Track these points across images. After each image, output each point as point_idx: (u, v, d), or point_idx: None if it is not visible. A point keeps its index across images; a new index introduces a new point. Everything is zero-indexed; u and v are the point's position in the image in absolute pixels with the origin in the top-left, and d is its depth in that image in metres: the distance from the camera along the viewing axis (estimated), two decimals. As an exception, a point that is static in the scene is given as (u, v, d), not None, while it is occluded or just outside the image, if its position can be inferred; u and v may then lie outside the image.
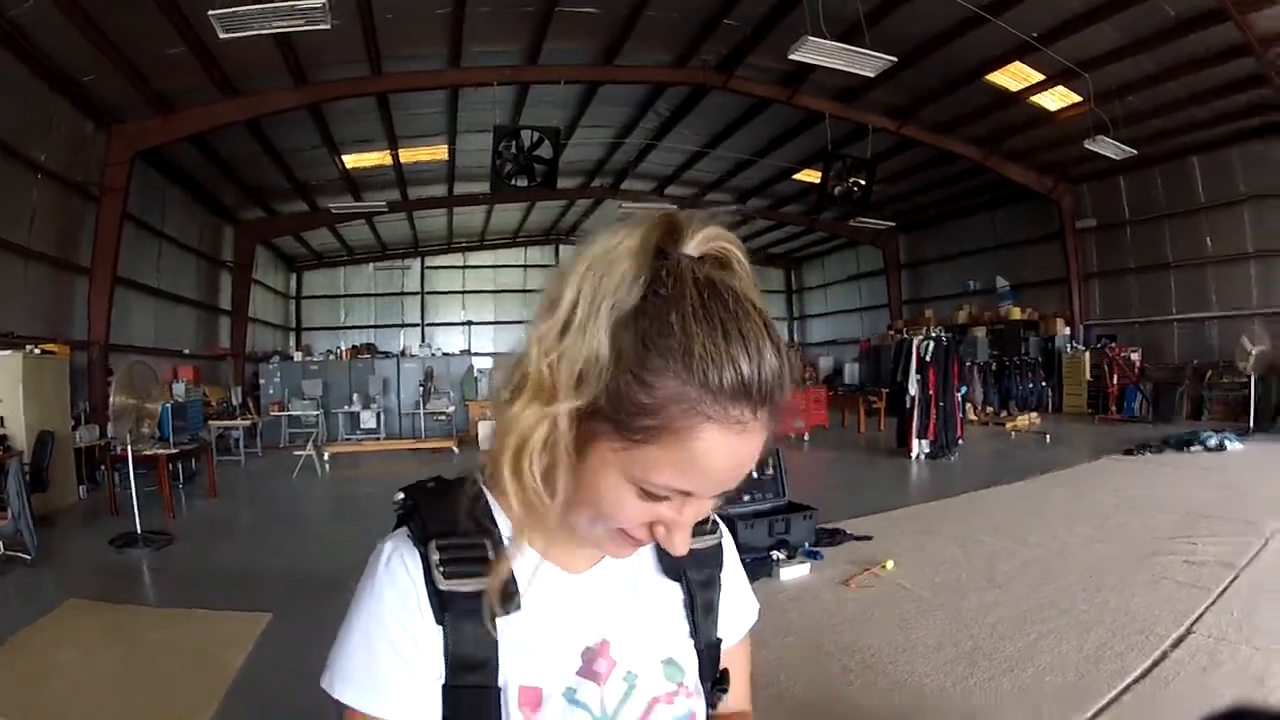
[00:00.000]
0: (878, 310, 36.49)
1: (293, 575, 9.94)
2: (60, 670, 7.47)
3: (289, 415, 28.20)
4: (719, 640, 1.53)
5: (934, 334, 17.63)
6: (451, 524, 1.30)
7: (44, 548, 11.31)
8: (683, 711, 1.42)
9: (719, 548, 1.56)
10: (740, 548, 7.83)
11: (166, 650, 7.75)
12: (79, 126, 17.90)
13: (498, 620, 1.27)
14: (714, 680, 1.51)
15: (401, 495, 1.37)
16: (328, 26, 12.33)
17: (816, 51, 14.72)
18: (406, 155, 25.38)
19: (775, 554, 9.05)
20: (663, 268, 1.13)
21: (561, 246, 39.65)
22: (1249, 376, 21.00)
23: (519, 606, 1.28)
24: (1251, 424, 20.39)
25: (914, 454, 17.25)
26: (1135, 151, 20.74)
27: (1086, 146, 20.03)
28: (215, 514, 15.08)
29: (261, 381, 30.14)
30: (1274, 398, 21.25)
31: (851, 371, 31.66)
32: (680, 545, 1.22)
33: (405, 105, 21.01)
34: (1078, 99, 20.20)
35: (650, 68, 19.61)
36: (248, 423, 24.35)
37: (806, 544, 9.51)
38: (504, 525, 1.32)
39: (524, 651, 1.30)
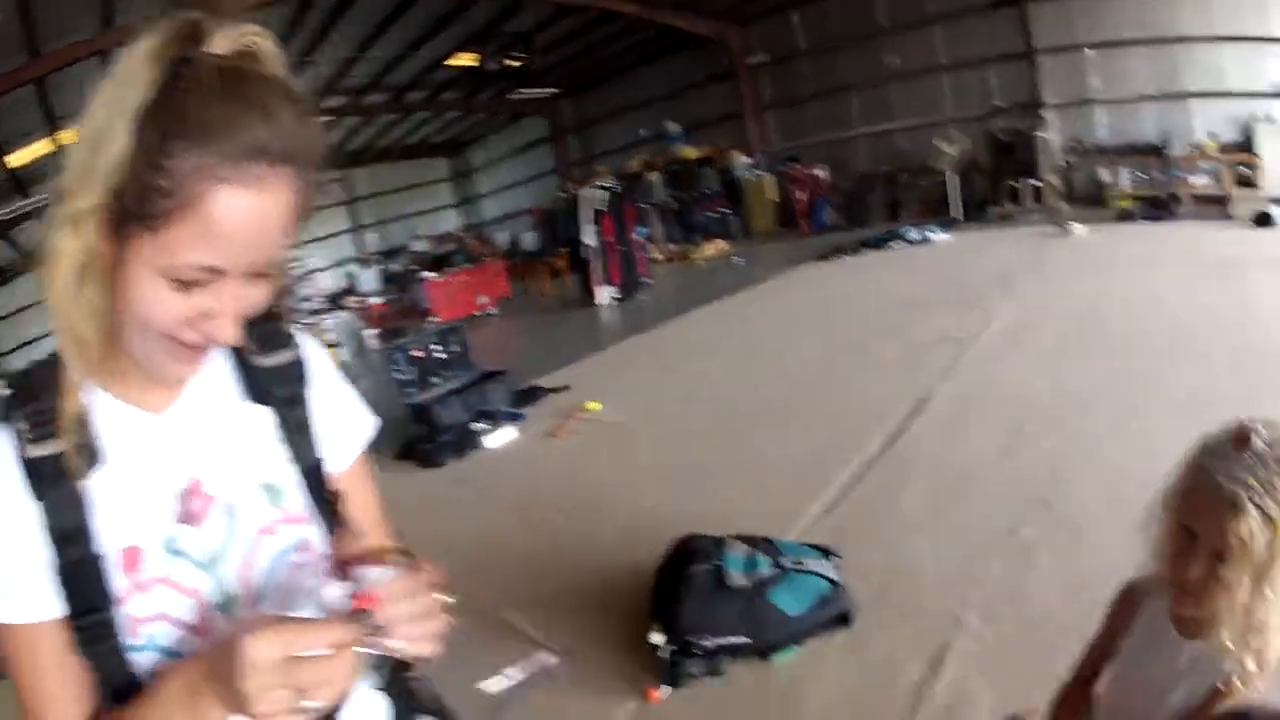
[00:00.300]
0: (549, 177, 36.04)
1: None
2: None
3: None
4: (319, 461, 1.47)
5: (604, 184, 17.67)
6: (33, 389, 1.24)
7: None
8: (291, 540, 1.39)
9: (298, 362, 1.49)
10: (440, 428, 7.85)
11: None
12: None
13: (87, 482, 1.21)
14: (326, 507, 1.47)
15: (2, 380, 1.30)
16: None
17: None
18: (69, 137, 23.44)
19: (476, 426, 9.09)
20: (181, 65, 1.09)
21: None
22: (945, 174, 22.01)
23: (102, 460, 1.23)
24: (958, 215, 21.45)
25: (602, 302, 17.35)
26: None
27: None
28: None
29: None
30: (975, 193, 22.25)
31: (529, 241, 31.48)
32: (227, 334, 1.19)
33: (59, 85, 19.13)
34: None
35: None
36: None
37: (503, 407, 9.59)
38: (87, 380, 1.26)
39: (116, 509, 1.24)
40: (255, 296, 1.20)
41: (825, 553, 5.06)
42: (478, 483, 7.80)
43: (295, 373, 1.46)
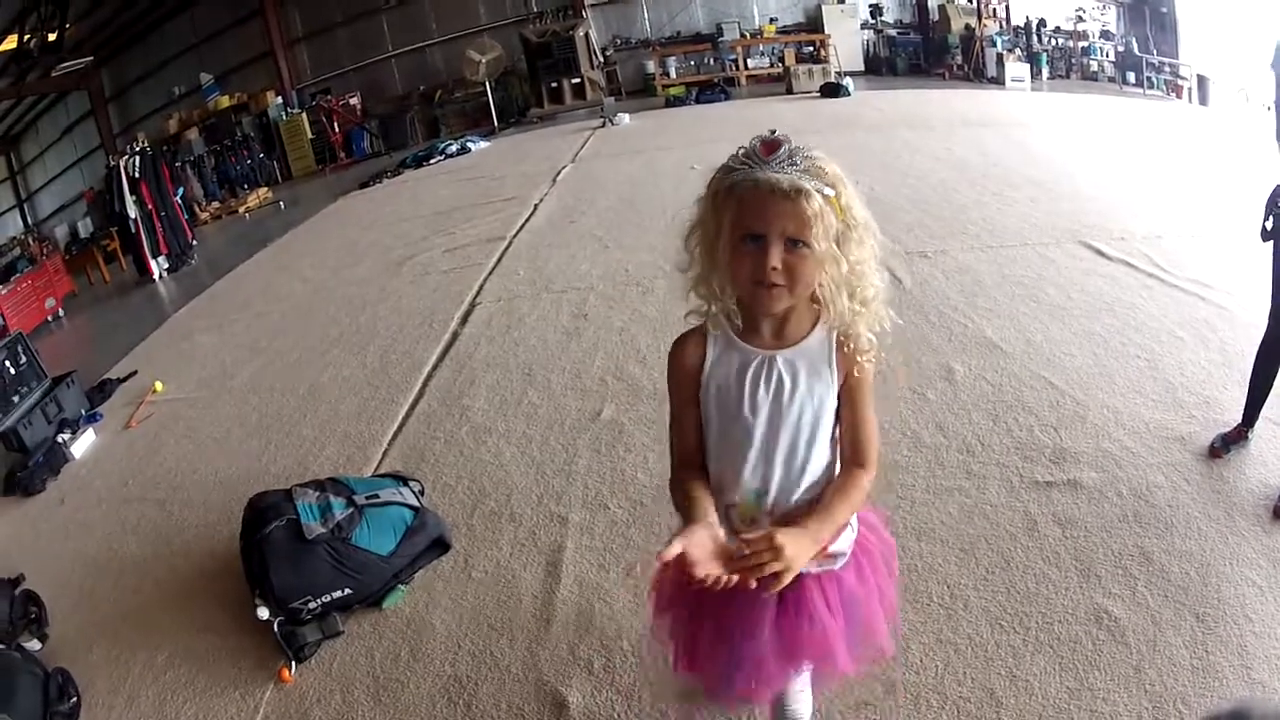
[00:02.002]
0: (95, 155, 33.09)
1: None
2: None
3: None
4: None
5: (137, 149, 16.98)
6: None
7: None
8: None
9: None
10: (33, 450, 7.22)
11: None
12: None
13: None
14: None
15: None
16: None
17: None
18: None
19: (60, 437, 8.31)
20: None
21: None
22: (484, 84, 22.31)
23: None
24: (495, 123, 21.84)
25: (155, 275, 16.78)
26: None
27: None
28: None
29: None
30: (515, 99, 23.10)
31: (85, 227, 29.75)
32: None
33: None
34: None
35: None
36: None
37: (83, 411, 8.91)
38: None
39: None
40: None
41: (401, 480, 5.01)
42: (74, 498, 7.13)
43: None
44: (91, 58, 28.79)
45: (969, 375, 5.54)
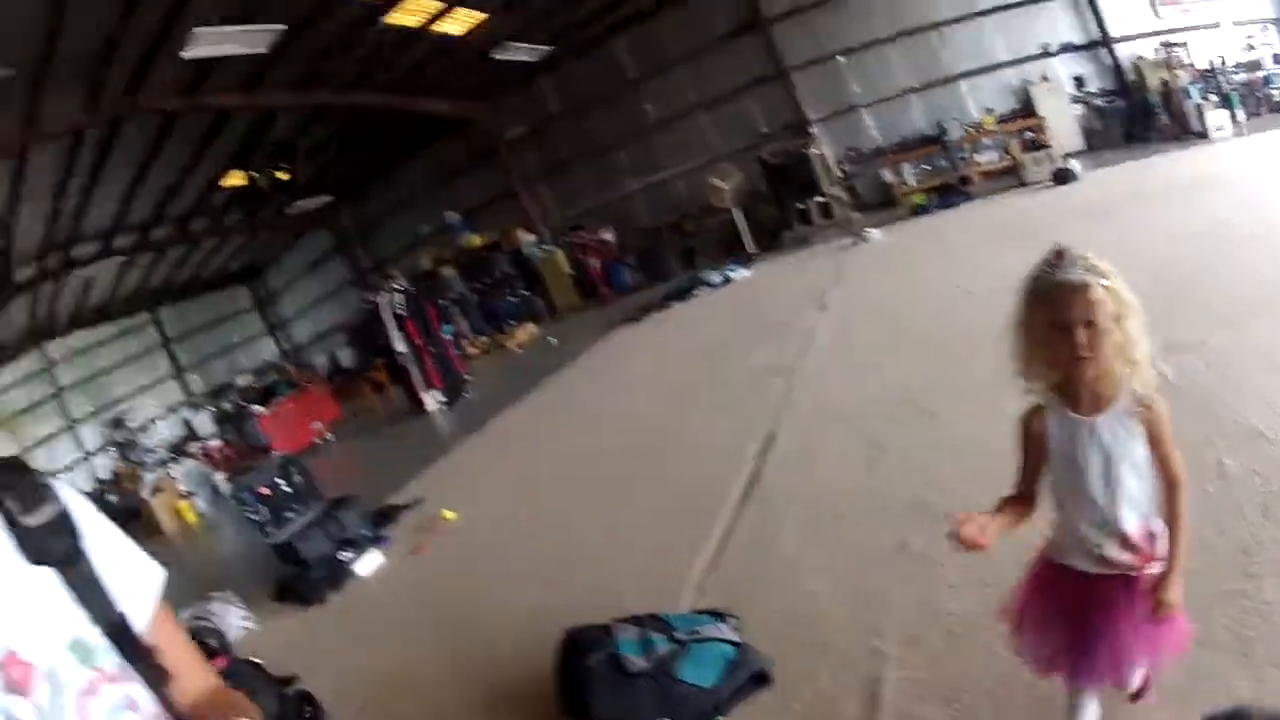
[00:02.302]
0: (346, 290, 35.48)
1: None
2: None
3: None
4: (122, 615, 1.42)
5: (399, 288, 17.68)
6: None
7: None
8: (118, 699, 1.34)
9: (64, 514, 1.42)
10: (312, 564, 7.55)
11: None
12: None
13: None
14: (144, 661, 1.42)
15: None
16: None
17: (209, 41, 14.40)
18: None
19: (342, 554, 8.85)
20: None
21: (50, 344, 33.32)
22: (729, 210, 22.13)
23: None
24: (754, 250, 21.58)
25: (430, 408, 17.20)
26: (551, 48, 21.26)
27: (496, 57, 20.27)
28: None
29: None
30: (764, 223, 22.57)
31: (347, 357, 30.90)
32: None
33: None
34: (483, 16, 20.33)
35: (67, 115, 18.10)
36: None
37: (363, 533, 9.35)
38: None
39: None
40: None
41: (719, 616, 4.97)
42: (359, 613, 7.70)
43: (65, 526, 1.40)
44: (331, 197, 29.93)
45: (1240, 470, 5.04)
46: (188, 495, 18.68)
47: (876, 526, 5.82)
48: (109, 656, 1.34)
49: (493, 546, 7.93)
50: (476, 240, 28.86)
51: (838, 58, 22.94)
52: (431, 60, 22.41)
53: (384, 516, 9.87)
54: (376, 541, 9.17)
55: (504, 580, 6.94)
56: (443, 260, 29.18)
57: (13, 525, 1.34)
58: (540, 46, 20.65)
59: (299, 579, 8.74)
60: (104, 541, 1.45)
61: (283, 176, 20.72)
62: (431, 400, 17.20)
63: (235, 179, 25.11)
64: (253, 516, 9.70)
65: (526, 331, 23.58)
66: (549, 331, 22.47)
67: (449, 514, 8.89)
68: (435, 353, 17.37)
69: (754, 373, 10.45)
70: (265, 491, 9.82)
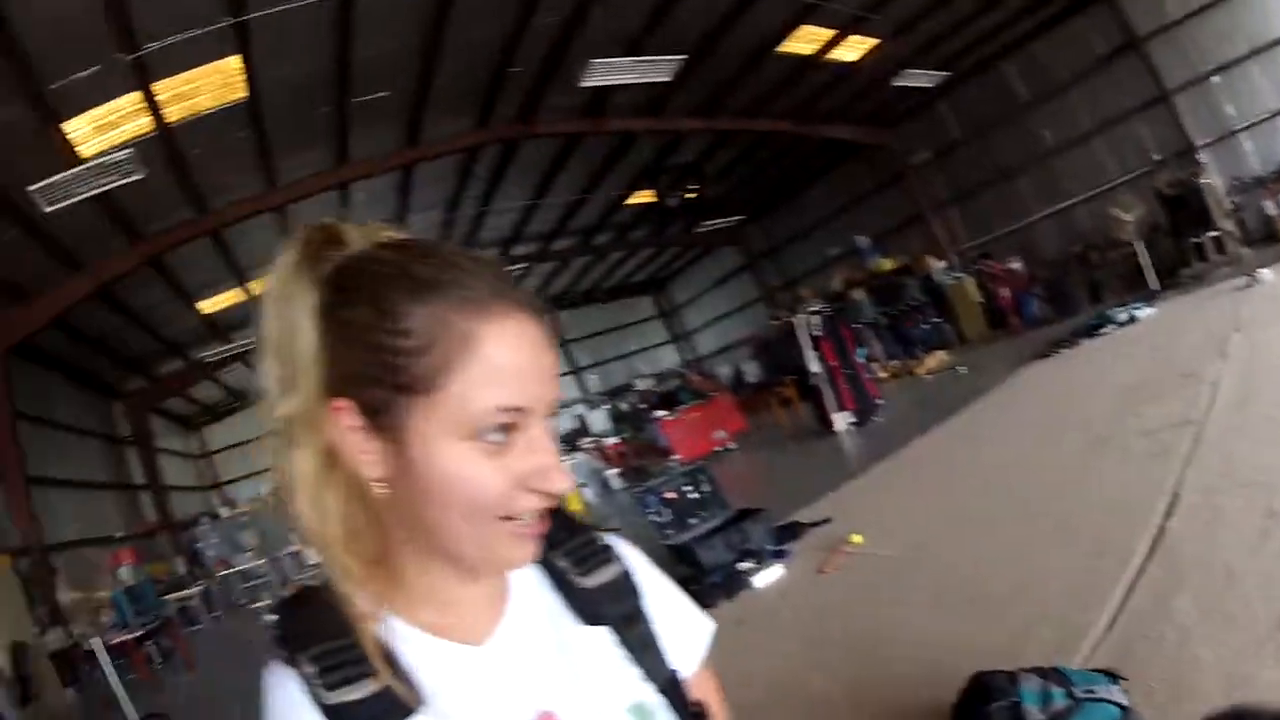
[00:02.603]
0: (753, 306, 36.36)
1: None
2: None
3: (238, 571, 27.45)
4: (674, 673, 1.33)
5: (815, 308, 17.58)
6: (316, 627, 1.13)
7: None
8: None
9: (626, 575, 1.36)
10: (707, 569, 7.49)
11: None
12: None
13: None
14: (694, 717, 1.33)
15: (275, 616, 1.20)
16: (141, 175, 12.12)
17: (607, 72, 14.83)
18: (258, 286, 24.56)
19: (741, 565, 8.80)
20: (341, 260, 1.12)
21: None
22: (1132, 244, 21.14)
23: (423, 701, 1.10)
24: (1156, 286, 20.41)
25: (839, 429, 17.00)
26: (948, 73, 20.96)
27: (897, 84, 20.15)
28: (201, 687, 14.70)
29: (199, 545, 29.40)
30: (1165, 255, 21.29)
31: (752, 370, 31.45)
32: (560, 479, 1.10)
33: (242, 237, 20.67)
34: (874, 41, 20.26)
35: (456, 135, 19.26)
36: (200, 588, 23.97)
37: (767, 546, 9.21)
38: (376, 608, 1.14)
39: None
40: (548, 428, 1.12)
41: (1112, 677, 4.65)
42: (755, 624, 7.46)
43: (626, 588, 1.34)
44: (740, 217, 30.37)
45: None
46: (578, 486, 19.72)
47: (1265, 604, 5.23)
48: (663, 716, 1.27)
49: (898, 575, 7.61)
50: (886, 264, 28.66)
51: (1211, 79, 21.56)
52: (831, 87, 22.59)
53: (788, 532, 9.78)
54: (778, 556, 8.98)
55: (906, 608, 6.69)
56: (853, 283, 29.16)
57: (562, 584, 1.31)
58: (936, 72, 20.42)
59: (693, 582, 8.82)
60: (660, 597, 1.40)
61: (691, 196, 21.16)
62: (841, 421, 17.07)
63: (642, 196, 26.02)
64: (654, 517, 9.92)
65: (936, 359, 23.06)
66: (958, 360, 21.85)
67: (857, 538, 8.70)
68: (849, 374, 17.21)
69: (1161, 424, 9.86)
70: (671, 496, 10.06)
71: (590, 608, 1.29)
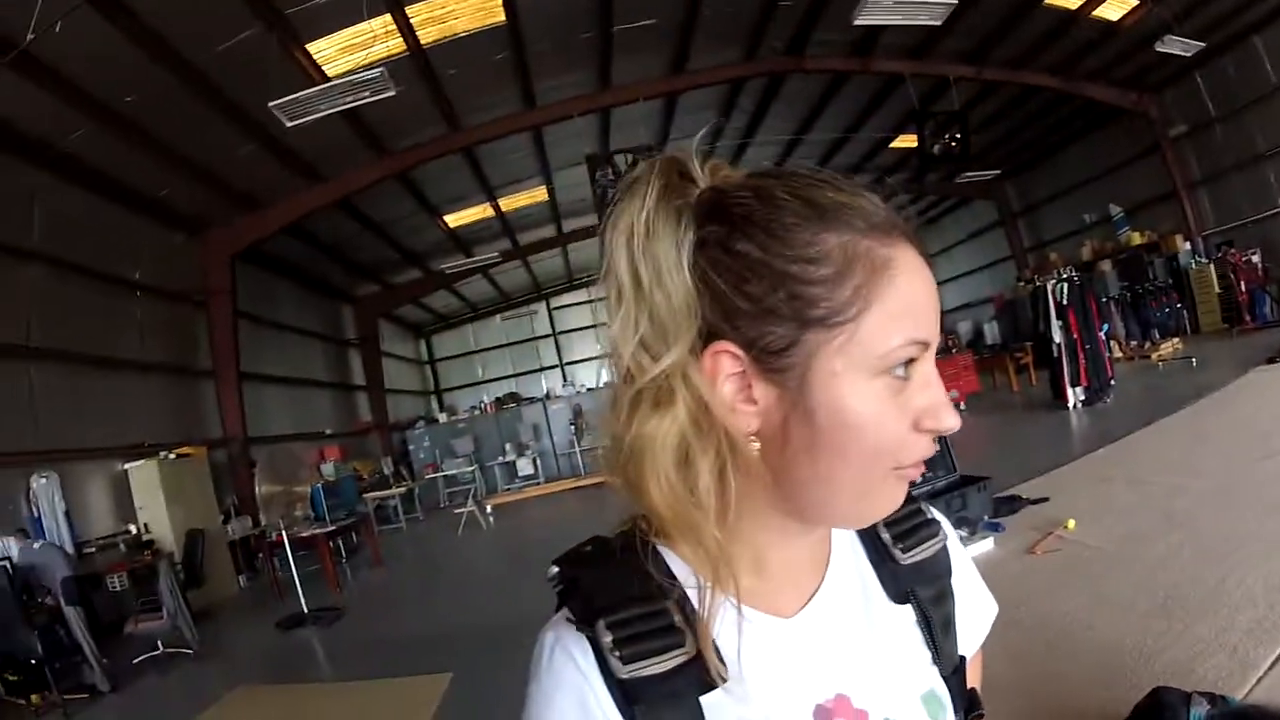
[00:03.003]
0: (1003, 264, 35.53)
1: (470, 632, 9.81)
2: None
3: (444, 475, 28.56)
4: (962, 659, 1.30)
5: (1065, 275, 17.16)
6: (620, 592, 1.07)
7: (208, 640, 11.65)
8: None
9: (945, 551, 1.32)
10: None
11: None
12: (166, 239, 18.69)
13: (706, 698, 1.04)
14: (966, 708, 1.29)
15: (555, 569, 1.13)
16: (392, 92, 12.48)
17: (877, 11, 14.61)
18: (507, 203, 25.90)
19: (957, 534, 8.65)
20: (708, 195, 1.07)
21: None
22: None
23: (725, 677, 1.04)
24: None
25: (1070, 404, 16.66)
26: (1204, 44, 20.21)
27: (1158, 50, 19.49)
28: (383, 582, 15.48)
29: (411, 448, 31.10)
30: None
31: (991, 331, 30.84)
32: (953, 415, 1.03)
33: (493, 155, 21.38)
34: (1135, 1, 19.93)
35: (722, 67, 19.50)
36: (402, 490, 24.71)
37: (985, 518, 9.01)
38: (684, 575, 1.09)
39: None
40: (931, 363, 1.07)
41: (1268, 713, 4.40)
42: None
43: (942, 565, 1.31)
44: (999, 171, 29.81)
45: None
46: None
47: None
48: (949, 707, 1.24)
49: (1102, 568, 7.35)
50: (1136, 238, 27.72)
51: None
52: (1094, 46, 22.13)
53: (1006, 505, 9.57)
54: (993, 529, 8.84)
55: (1101, 605, 6.44)
56: (1101, 254, 28.37)
57: (881, 559, 1.28)
58: (1193, 41, 19.53)
59: None
60: (961, 575, 1.36)
61: (953, 144, 20.84)
62: (1073, 395, 16.68)
63: (904, 141, 25.97)
64: None
65: (1171, 346, 22.28)
66: (1192, 352, 20.95)
67: (1070, 523, 8.55)
68: (1089, 349, 16.64)
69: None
70: None
71: (903, 585, 1.26)
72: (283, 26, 13.39)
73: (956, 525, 8.22)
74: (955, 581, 1.32)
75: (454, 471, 28.53)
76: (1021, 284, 26.03)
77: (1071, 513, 8.77)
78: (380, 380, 31.38)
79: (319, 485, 16.30)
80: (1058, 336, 16.68)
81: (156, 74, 13.50)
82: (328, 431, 26.57)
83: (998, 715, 1.23)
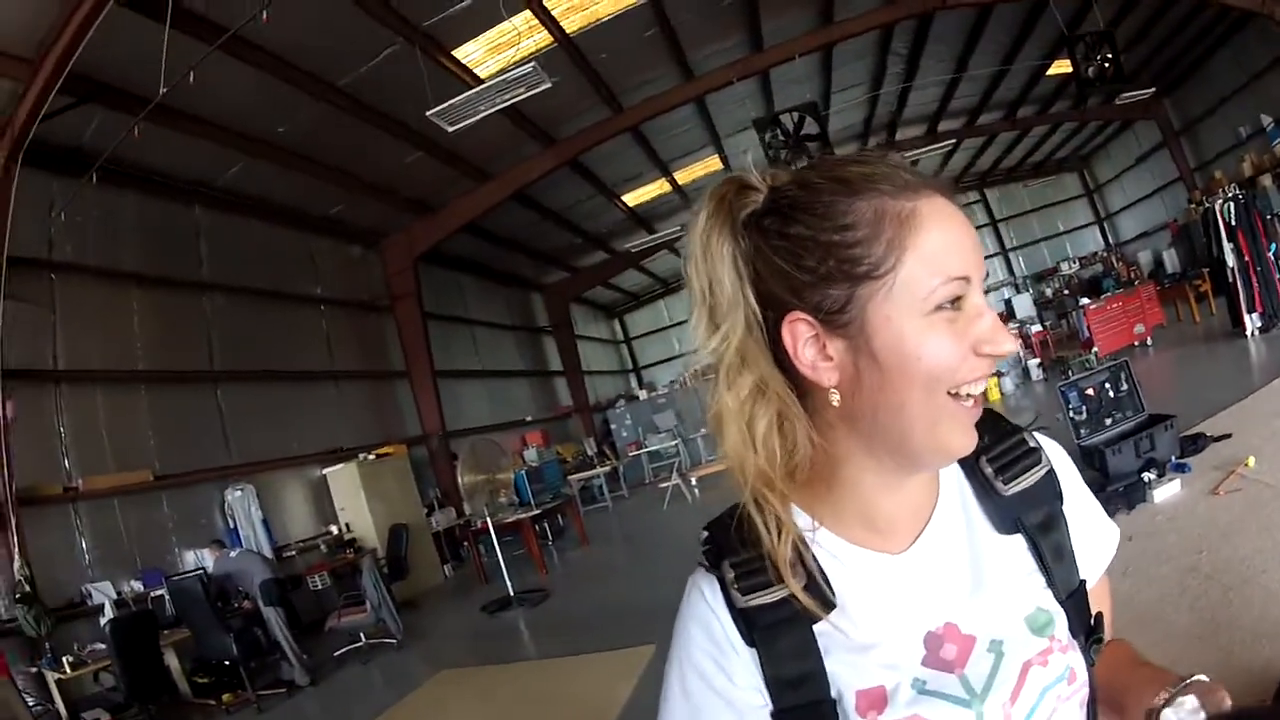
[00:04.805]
0: (1173, 186, 33.59)
1: (672, 602, 9.84)
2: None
3: (648, 452, 28.90)
4: (1082, 583, 1.37)
5: (1230, 194, 16.79)
6: (740, 540, 1.27)
7: (412, 629, 12.05)
8: (1060, 670, 1.28)
9: (1050, 475, 1.39)
10: (1111, 476, 7.55)
11: (548, 699, 8.04)
12: (343, 252, 19.67)
13: (817, 626, 1.22)
14: (1087, 631, 1.35)
15: (705, 532, 1.36)
16: (549, 84, 12.63)
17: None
18: (682, 176, 25.89)
19: (1145, 476, 8.52)
20: (759, 198, 1.25)
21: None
22: None
23: (835, 604, 1.23)
24: None
25: (1249, 331, 16.34)
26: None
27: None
28: (589, 561, 15.82)
29: (613, 427, 31.51)
30: None
31: (1170, 259, 29.78)
32: (1006, 337, 1.17)
33: (660, 130, 21.58)
34: None
35: (869, 13, 19.28)
36: (607, 469, 25.12)
37: (1173, 458, 8.87)
38: (805, 521, 1.28)
39: (853, 653, 1.24)
40: (982, 292, 1.20)
41: None
42: (1142, 543, 7.21)
43: (1050, 492, 1.38)
44: (1153, 89, 28.96)
45: None
46: (997, 375, 19.30)
47: None
48: (1062, 625, 1.31)
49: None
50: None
51: None
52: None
53: (1192, 444, 9.36)
54: (1180, 469, 8.58)
55: (1278, 553, 6.50)
56: (1261, 168, 26.86)
57: (986, 493, 1.36)
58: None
59: (1097, 489, 8.52)
60: (1077, 502, 1.43)
61: (1106, 65, 20.36)
62: (1250, 323, 16.35)
63: (1061, 66, 25.01)
64: (1073, 416, 9.53)
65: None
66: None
67: (1250, 461, 8.39)
68: (1260, 270, 16.29)
69: None
70: (1091, 392, 9.62)
71: (1009, 516, 1.34)
72: (423, 38, 13.79)
73: (1146, 467, 8.64)
74: (1068, 508, 1.40)
75: (657, 447, 28.78)
76: (1192, 207, 25.29)
77: (1252, 448, 8.60)
78: (577, 363, 32.05)
79: (522, 471, 16.59)
80: (1230, 260, 16.39)
81: (303, 101, 14.20)
82: (528, 418, 27.24)
83: (1176, 662, 1.34)
